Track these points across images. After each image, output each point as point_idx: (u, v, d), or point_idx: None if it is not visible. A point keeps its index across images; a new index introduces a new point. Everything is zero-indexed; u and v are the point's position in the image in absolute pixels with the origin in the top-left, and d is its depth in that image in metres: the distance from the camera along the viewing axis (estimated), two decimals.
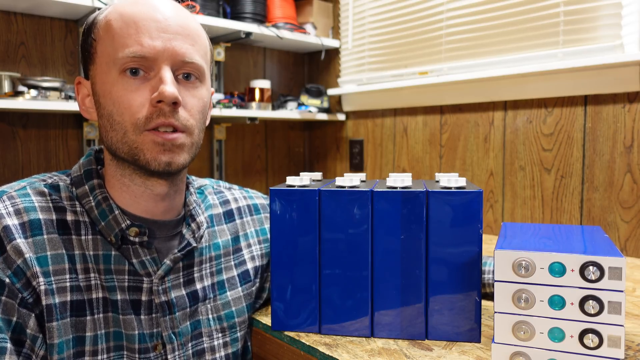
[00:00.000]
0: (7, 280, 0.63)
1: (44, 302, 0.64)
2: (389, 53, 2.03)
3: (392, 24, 2.01)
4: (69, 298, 0.67)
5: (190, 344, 0.76)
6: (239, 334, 0.82)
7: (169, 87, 0.68)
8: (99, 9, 1.56)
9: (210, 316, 0.79)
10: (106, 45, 0.70)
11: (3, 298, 0.62)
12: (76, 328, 0.67)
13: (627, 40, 1.40)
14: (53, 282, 0.65)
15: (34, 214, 0.67)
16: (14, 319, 0.63)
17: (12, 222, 0.65)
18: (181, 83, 0.72)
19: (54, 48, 1.73)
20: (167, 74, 0.69)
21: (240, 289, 0.84)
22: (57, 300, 0.65)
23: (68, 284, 0.67)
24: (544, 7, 1.56)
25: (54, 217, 0.69)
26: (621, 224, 1.44)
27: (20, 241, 0.64)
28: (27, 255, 0.64)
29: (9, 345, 0.61)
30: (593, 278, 0.56)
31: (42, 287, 0.64)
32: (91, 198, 0.72)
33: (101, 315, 0.69)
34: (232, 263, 0.85)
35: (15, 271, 0.63)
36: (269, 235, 0.92)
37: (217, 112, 1.86)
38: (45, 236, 0.67)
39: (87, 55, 0.74)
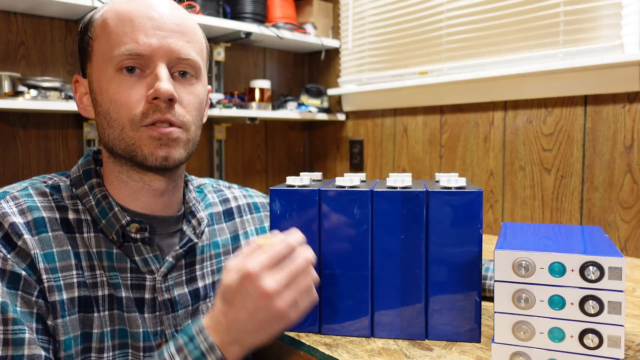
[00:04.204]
0: (24, 272, 0.63)
1: (49, 299, 0.64)
2: (388, 53, 2.03)
3: (392, 24, 2.01)
4: (76, 294, 0.67)
5: None
6: None
7: (165, 83, 0.68)
8: None
9: None
10: (102, 43, 0.71)
11: (20, 291, 0.62)
12: (84, 324, 0.67)
13: (627, 40, 1.40)
14: (60, 279, 0.66)
15: (37, 213, 0.67)
16: (34, 310, 0.63)
17: (18, 220, 0.65)
18: (177, 80, 0.72)
19: (54, 48, 1.73)
20: (162, 70, 0.69)
21: None
22: (64, 297, 0.65)
23: (75, 280, 0.67)
24: (544, 7, 1.56)
25: (57, 215, 0.69)
26: (621, 224, 1.44)
27: (28, 237, 0.65)
28: (33, 252, 0.64)
29: (27, 335, 0.60)
30: (593, 278, 0.56)
31: (48, 284, 0.64)
32: (91, 197, 0.73)
33: (107, 312, 0.69)
34: None
35: (30, 264, 0.64)
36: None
37: (217, 112, 1.86)
38: (50, 233, 0.67)
39: (84, 54, 0.74)
